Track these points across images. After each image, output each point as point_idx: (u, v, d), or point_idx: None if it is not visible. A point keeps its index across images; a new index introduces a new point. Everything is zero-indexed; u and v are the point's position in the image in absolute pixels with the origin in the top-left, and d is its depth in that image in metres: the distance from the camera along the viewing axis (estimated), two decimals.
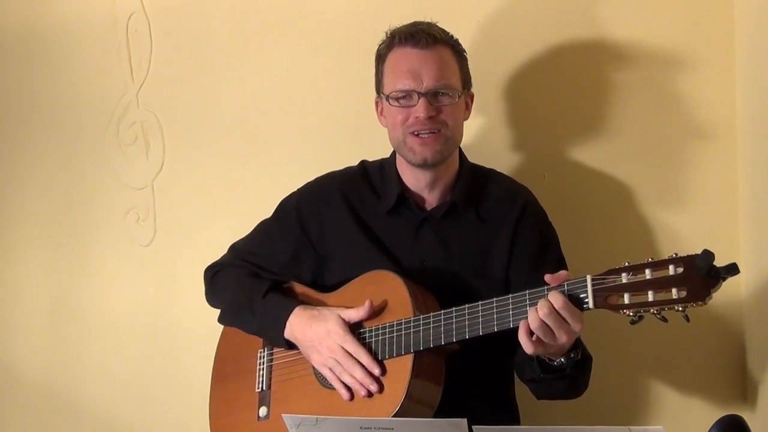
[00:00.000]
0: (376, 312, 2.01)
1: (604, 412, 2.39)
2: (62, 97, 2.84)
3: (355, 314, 2.02)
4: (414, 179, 2.15)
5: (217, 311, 2.27)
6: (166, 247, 2.75)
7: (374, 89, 2.18)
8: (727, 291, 2.21)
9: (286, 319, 2.08)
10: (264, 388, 2.14)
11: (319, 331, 2.02)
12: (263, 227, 2.30)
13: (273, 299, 2.14)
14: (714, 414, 1.95)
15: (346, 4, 2.61)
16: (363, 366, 1.97)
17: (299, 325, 2.06)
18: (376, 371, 1.95)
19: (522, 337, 1.80)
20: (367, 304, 2.00)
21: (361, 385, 1.96)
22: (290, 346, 2.10)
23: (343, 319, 2.02)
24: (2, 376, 2.86)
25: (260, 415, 2.13)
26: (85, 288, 2.80)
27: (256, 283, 2.19)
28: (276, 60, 2.66)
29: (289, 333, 2.08)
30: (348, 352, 1.99)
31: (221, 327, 2.28)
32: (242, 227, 2.35)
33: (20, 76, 2.87)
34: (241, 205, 2.66)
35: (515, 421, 2.16)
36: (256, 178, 2.67)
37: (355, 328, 2.03)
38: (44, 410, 2.82)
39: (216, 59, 2.71)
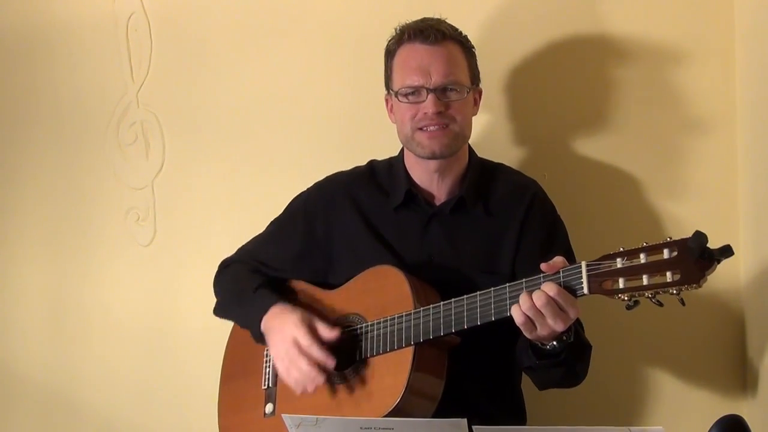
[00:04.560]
0: (378, 306, 2.01)
1: (603, 409, 2.39)
2: (62, 97, 2.84)
3: (322, 328, 2.01)
4: (422, 174, 2.14)
5: None
6: (166, 247, 2.75)
7: (376, 87, 2.18)
8: (727, 282, 2.24)
9: (265, 312, 2.09)
10: (270, 385, 2.14)
11: (284, 320, 2.03)
12: (273, 226, 2.30)
13: (262, 294, 2.14)
14: (714, 411, 1.95)
15: (347, 3, 2.61)
16: (314, 361, 1.97)
17: (271, 315, 2.08)
18: (330, 364, 1.96)
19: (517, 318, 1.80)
20: (336, 332, 2.00)
21: (307, 378, 1.97)
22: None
23: (309, 319, 2.02)
24: (3, 375, 2.85)
25: (266, 411, 2.12)
26: (86, 288, 2.80)
27: (251, 278, 2.19)
28: (276, 59, 2.67)
29: (263, 325, 2.09)
30: (300, 346, 1.99)
31: (222, 326, 2.27)
32: (242, 227, 2.35)
33: (20, 77, 2.87)
34: (241, 204, 2.66)
35: (520, 417, 2.15)
36: (256, 178, 2.67)
37: (356, 323, 2.03)
38: (45, 410, 2.81)
39: (216, 59, 2.72)
